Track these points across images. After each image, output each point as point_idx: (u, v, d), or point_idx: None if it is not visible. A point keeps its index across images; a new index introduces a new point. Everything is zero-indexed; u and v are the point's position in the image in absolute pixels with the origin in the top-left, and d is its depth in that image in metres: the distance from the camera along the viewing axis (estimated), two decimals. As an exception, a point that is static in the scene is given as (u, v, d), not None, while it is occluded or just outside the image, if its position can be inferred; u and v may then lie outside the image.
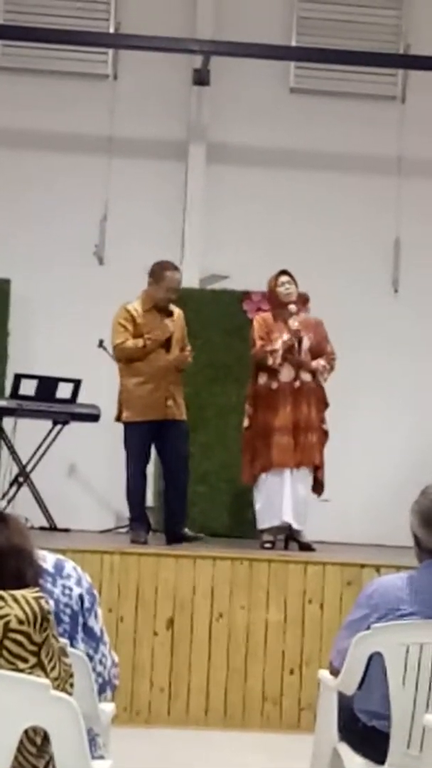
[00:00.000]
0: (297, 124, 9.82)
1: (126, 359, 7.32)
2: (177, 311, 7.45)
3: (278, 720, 6.41)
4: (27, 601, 2.58)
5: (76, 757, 2.56)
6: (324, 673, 3.95)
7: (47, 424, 8.42)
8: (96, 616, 3.12)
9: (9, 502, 8.09)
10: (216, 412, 8.84)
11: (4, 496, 8.26)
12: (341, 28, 9.80)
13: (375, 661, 3.62)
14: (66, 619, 3.00)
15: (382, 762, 3.60)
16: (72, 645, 2.97)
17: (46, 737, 2.57)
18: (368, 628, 3.63)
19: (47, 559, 3.02)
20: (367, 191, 9.78)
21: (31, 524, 6.96)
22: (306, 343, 7.46)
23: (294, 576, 6.54)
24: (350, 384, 8.78)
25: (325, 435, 7.55)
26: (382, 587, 3.72)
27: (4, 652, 2.55)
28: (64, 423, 8.40)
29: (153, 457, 7.63)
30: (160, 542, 7.30)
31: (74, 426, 8.45)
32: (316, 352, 7.53)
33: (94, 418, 8.40)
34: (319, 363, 7.51)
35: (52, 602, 2.85)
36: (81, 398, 8.43)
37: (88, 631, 3.09)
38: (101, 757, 3.14)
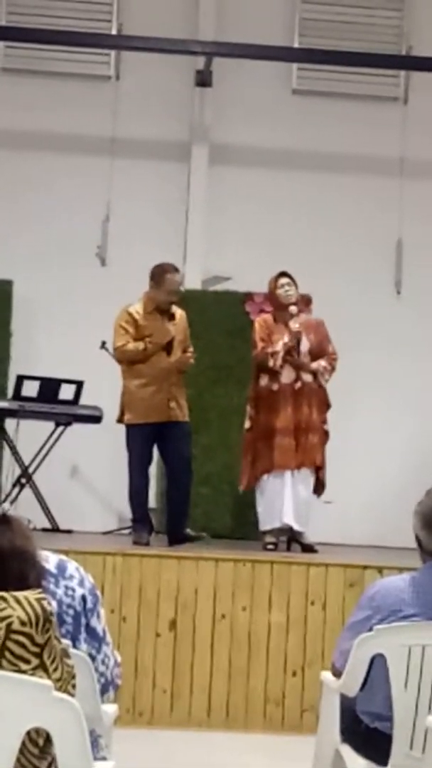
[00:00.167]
0: (299, 125, 9.81)
1: (127, 362, 7.32)
2: (179, 313, 7.45)
3: (280, 721, 6.41)
4: (29, 603, 2.58)
5: (78, 758, 2.56)
6: (326, 675, 3.95)
7: (49, 425, 8.42)
8: (99, 617, 3.12)
9: (12, 503, 8.10)
10: (218, 414, 8.83)
11: (6, 497, 8.26)
12: (343, 30, 9.79)
13: (377, 663, 3.62)
14: (69, 619, 3.01)
15: (384, 764, 3.60)
16: (75, 645, 2.98)
17: (48, 738, 2.56)
18: (370, 629, 3.63)
19: (50, 560, 3.03)
20: (370, 192, 9.77)
21: (34, 526, 6.95)
22: (305, 345, 7.45)
23: (296, 577, 6.54)
24: (352, 385, 8.79)
25: (326, 436, 7.54)
26: (384, 589, 3.72)
27: (7, 654, 2.55)
28: (67, 424, 8.40)
29: (155, 459, 7.64)
30: (162, 543, 7.30)
31: (76, 427, 8.45)
32: (317, 352, 7.52)
33: (96, 419, 8.39)
34: (320, 364, 7.50)
35: (54, 603, 2.86)
36: (83, 399, 8.43)
37: (91, 632, 3.10)
38: (103, 759, 3.14)
